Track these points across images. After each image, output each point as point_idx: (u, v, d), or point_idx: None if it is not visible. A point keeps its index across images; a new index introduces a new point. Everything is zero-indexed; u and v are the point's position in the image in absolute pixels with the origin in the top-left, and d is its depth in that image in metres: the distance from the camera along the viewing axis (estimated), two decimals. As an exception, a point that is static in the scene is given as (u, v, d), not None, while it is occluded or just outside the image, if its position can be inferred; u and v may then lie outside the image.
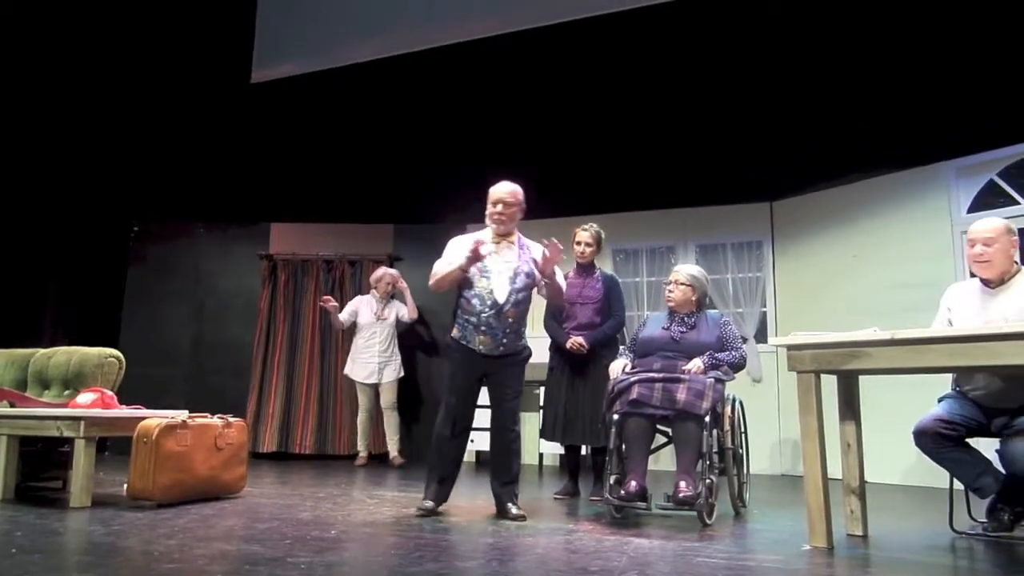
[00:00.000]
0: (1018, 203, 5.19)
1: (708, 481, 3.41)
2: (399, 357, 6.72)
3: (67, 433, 3.71)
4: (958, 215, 5.44)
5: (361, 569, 2.34)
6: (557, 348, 4.54)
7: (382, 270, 6.84)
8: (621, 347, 4.17)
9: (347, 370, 6.67)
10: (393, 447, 6.52)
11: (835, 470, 3.11)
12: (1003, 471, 3.08)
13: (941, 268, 5.44)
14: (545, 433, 4.55)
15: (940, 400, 3.37)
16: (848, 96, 5.82)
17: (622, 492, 3.38)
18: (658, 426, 3.70)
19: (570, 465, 4.50)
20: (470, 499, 4.22)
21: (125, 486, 4.40)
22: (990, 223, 3.31)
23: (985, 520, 3.23)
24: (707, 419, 3.47)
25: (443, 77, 6.66)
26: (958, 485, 3.25)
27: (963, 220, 5.42)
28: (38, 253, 7.41)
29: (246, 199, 7.62)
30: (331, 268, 7.44)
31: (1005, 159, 5.28)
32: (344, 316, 6.69)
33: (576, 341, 4.38)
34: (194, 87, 6.95)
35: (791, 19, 5.51)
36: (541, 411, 5.34)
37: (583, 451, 4.72)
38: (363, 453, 6.57)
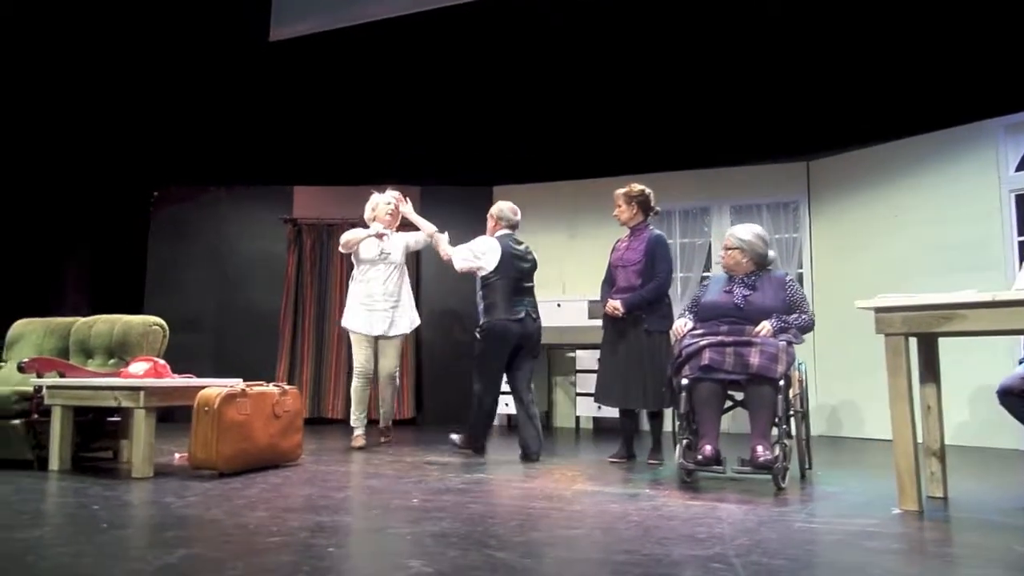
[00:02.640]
0: (1070, 161, 5.12)
1: (783, 445, 3.37)
2: (412, 305, 5.25)
3: (126, 403, 3.65)
4: (1006, 173, 5.36)
5: (467, 538, 2.30)
6: (604, 312, 4.48)
7: (376, 195, 5.40)
8: (681, 308, 4.11)
9: (344, 321, 5.13)
10: (384, 421, 5.23)
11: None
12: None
13: (988, 228, 5.38)
14: (595, 396, 4.51)
15: (1021, 361, 3.33)
16: (888, 51, 5.68)
17: (698, 457, 3.34)
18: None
19: (624, 429, 4.47)
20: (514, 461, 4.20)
21: (176, 455, 4.39)
22: None
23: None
24: (781, 383, 3.42)
25: (472, 34, 6.49)
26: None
27: (1011, 179, 5.35)
28: (58, 221, 7.27)
29: (268, 162, 7.47)
30: (357, 232, 7.31)
31: (1057, 115, 5.19)
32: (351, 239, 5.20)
33: (612, 304, 4.33)
34: (211, 47, 6.75)
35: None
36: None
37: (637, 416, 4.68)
38: (359, 431, 4.97)
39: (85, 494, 3.10)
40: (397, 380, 5.18)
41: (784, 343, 3.54)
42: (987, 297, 2.73)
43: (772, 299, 3.76)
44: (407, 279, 5.27)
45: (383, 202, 5.27)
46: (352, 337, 5.06)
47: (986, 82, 5.35)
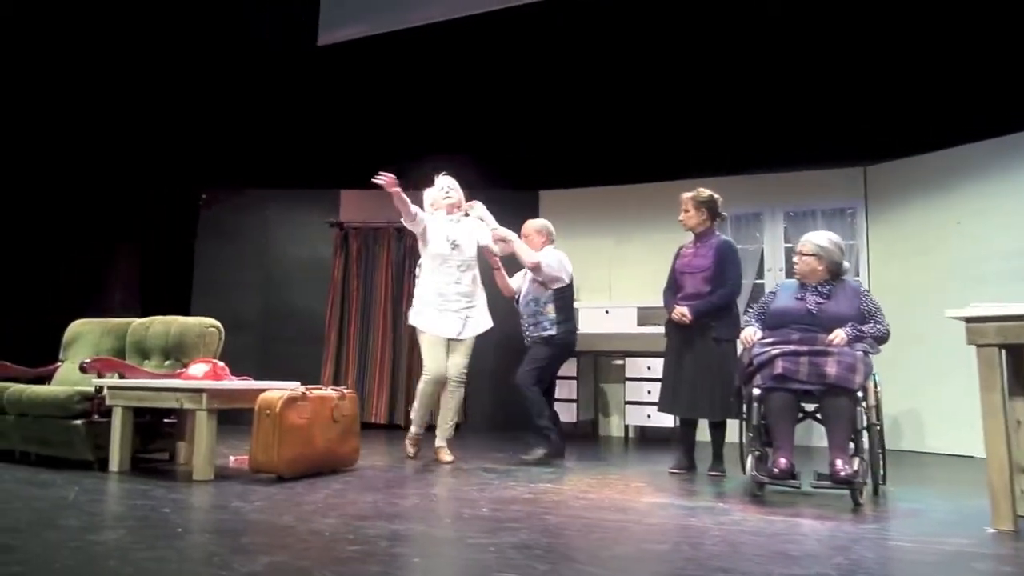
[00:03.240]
0: None
1: (862, 459, 3.25)
2: (484, 304, 4.69)
3: (188, 405, 3.63)
4: (1078, 180, 5.17)
5: (552, 552, 2.22)
6: (669, 319, 4.38)
7: (429, 190, 4.80)
8: (745, 316, 4.00)
9: (413, 319, 4.60)
10: (443, 434, 4.53)
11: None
12: None
13: (1056, 235, 5.19)
14: (659, 405, 4.41)
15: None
16: (949, 56, 5.51)
17: (774, 470, 3.22)
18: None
19: (684, 439, 4.36)
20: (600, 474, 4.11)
21: (232, 458, 4.37)
22: None
23: None
24: (859, 394, 3.30)
25: (519, 37, 6.45)
26: None
27: (1083, 185, 5.15)
28: (107, 221, 7.33)
29: (315, 165, 7.48)
30: (402, 236, 7.30)
31: None
32: (415, 210, 4.56)
33: (679, 311, 4.22)
34: (260, 51, 6.79)
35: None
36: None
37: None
38: (415, 430, 4.62)
39: (151, 496, 3.08)
40: (464, 387, 4.57)
41: (861, 353, 3.42)
42: (1093, 308, 2.59)
43: (847, 307, 3.64)
44: (478, 275, 4.69)
45: (438, 188, 4.74)
46: (421, 337, 4.55)
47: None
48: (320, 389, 3.92)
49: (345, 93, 7.17)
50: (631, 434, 6.58)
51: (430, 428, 4.67)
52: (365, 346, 7.13)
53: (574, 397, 6.50)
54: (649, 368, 6.20)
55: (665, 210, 6.96)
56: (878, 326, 3.60)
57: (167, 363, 4.50)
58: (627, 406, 6.39)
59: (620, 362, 6.69)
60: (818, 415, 3.64)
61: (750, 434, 3.47)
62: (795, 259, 3.83)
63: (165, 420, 4.22)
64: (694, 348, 4.20)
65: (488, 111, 7.01)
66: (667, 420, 6.16)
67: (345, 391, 4.08)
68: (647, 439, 6.52)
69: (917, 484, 4.04)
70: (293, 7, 6.85)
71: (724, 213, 4.47)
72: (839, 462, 3.17)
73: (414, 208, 4.52)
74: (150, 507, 2.85)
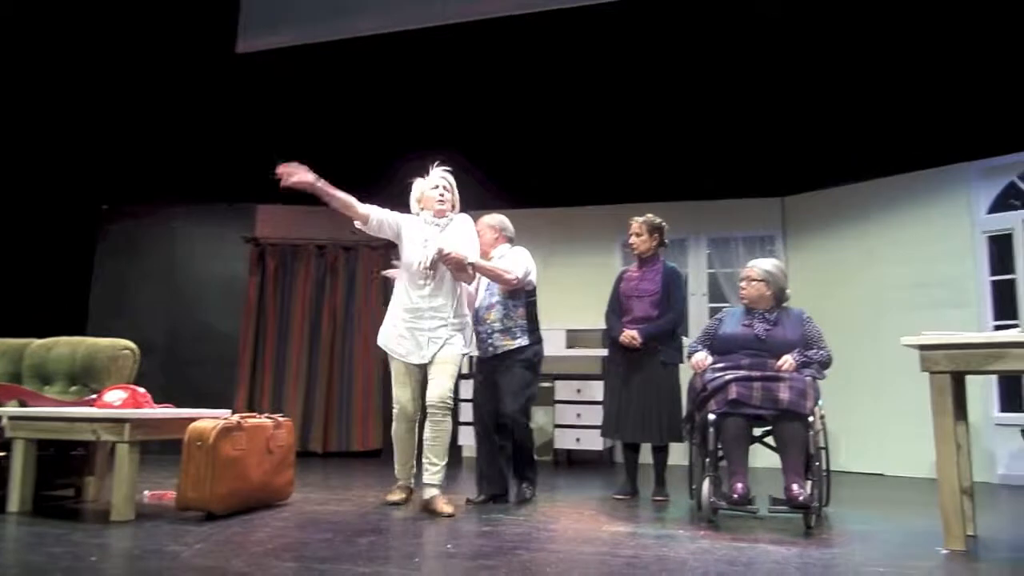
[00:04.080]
0: (1039, 205, 5.34)
1: (814, 483, 3.30)
2: (468, 321, 3.91)
3: (106, 437, 3.28)
4: (979, 216, 5.56)
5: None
6: (613, 342, 4.37)
7: (420, 181, 3.98)
8: (692, 341, 4.03)
9: (382, 339, 3.84)
10: (432, 479, 3.59)
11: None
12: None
13: (961, 268, 5.56)
14: (603, 430, 4.38)
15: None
16: (865, 94, 5.85)
17: (734, 496, 3.23)
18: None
19: (628, 463, 4.33)
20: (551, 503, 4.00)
21: (146, 493, 4.00)
22: None
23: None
24: (811, 419, 3.37)
25: (447, 57, 6.35)
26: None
27: (984, 221, 5.55)
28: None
29: (229, 178, 7.08)
30: (323, 254, 7.02)
31: (1025, 162, 5.42)
32: (365, 210, 3.84)
33: (629, 334, 4.22)
34: (172, 55, 6.39)
35: (808, 11, 5.46)
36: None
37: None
38: (402, 482, 3.89)
39: (68, 541, 2.74)
40: (449, 418, 3.66)
41: (810, 378, 3.49)
42: (1037, 337, 2.74)
43: (792, 334, 3.72)
44: (465, 290, 3.92)
45: (429, 186, 3.89)
46: (391, 364, 3.80)
47: (960, 127, 5.55)
48: (254, 417, 3.64)
49: (264, 103, 6.84)
50: (559, 458, 6.52)
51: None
52: (282, 368, 6.79)
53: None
54: (579, 391, 6.19)
55: (591, 234, 7.08)
56: (821, 352, 3.70)
57: (73, 389, 4.09)
58: (556, 429, 6.34)
59: (548, 385, 6.64)
60: (765, 439, 3.70)
61: (706, 459, 3.47)
62: (742, 284, 3.89)
63: (72, 453, 3.82)
64: (642, 372, 4.20)
65: (414, 130, 6.86)
66: (595, 443, 6.17)
67: (280, 419, 3.81)
68: (574, 462, 6.48)
69: (850, 505, 4.16)
70: (209, 11, 6.49)
71: (667, 240, 4.51)
72: (795, 487, 3.21)
73: (364, 208, 3.77)
74: (72, 555, 2.53)
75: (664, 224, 4.43)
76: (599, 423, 6.15)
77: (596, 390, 6.24)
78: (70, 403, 3.85)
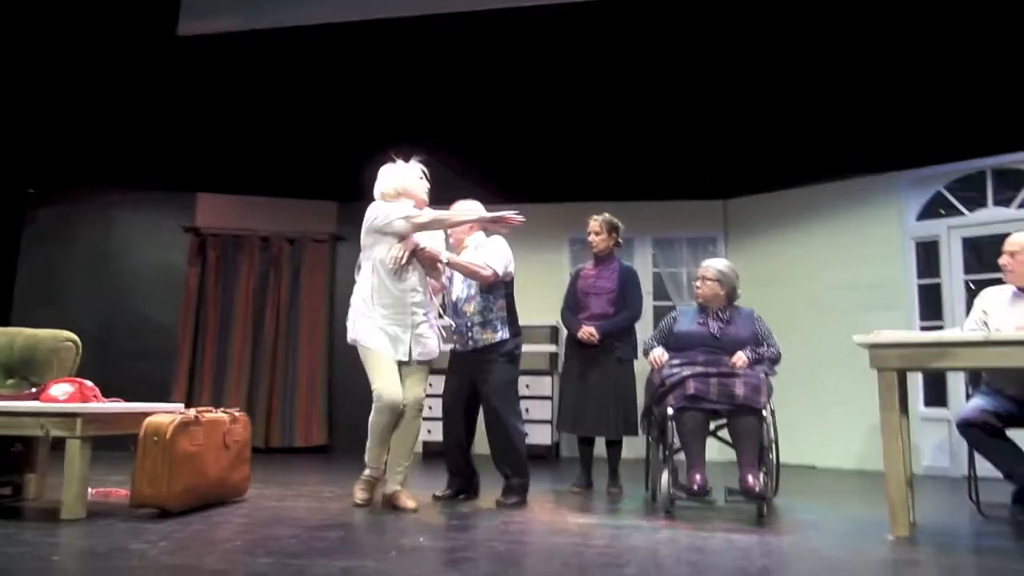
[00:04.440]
0: (963, 214, 5.69)
1: (767, 474, 3.45)
2: (436, 316, 3.80)
3: (56, 432, 3.14)
4: (909, 222, 5.88)
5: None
6: (571, 338, 4.44)
7: (395, 168, 3.75)
8: (647, 338, 4.12)
9: (355, 334, 3.60)
10: (398, 477, 3.58)
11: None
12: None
13: (892, 270, 5.87)
14: (559, 424, 4.44)
15: (972, 395, 3.61)
16: (805, 104, 6.09)
17: (694, 488, 3.34)
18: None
19: (583, 457, 4.41)
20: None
21: (91, 490, 3.84)
22: (1017, 237, 3.57)
23: (1012, 505, 3.49)
24: (764, 413, 3.51)
25: (393, 50, 6.30)
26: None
27: (913, 228, 5.87)
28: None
29: (168, 165, 6.84)
30: (268, 246, 6.87)
31: (952, 173, 5.77)
32: None
33: (587, 331, 4.30)
34: (110, 35, 6.13)
35: (752, 26, 5.66)
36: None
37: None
38: (370, 472, 3.64)
39: (22, 541, 2.62)
40: (420, 417, 3.65)
41: (763, 375, 3.64)
42: (980, 337, 2.93)
43: (745, 331, 3.87)
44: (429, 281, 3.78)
45: (415, 176, 3.71)
46: (369, 357, 3.58)
47: (893, 138, 5.85)
48: (210, 412, 3.55)
49: (206, 89, 6.62)
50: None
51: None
52: (223, 363, 6.60)
53: (548, 418, 6.40)
54: (528, 387, 6.24)
55: (539, 231, 7.11)
56: (772, 349, 3.86)
57: (10, 382, 3.88)
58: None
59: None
60: (719, 433, 3.83)
61: (665, 452, 3.57)
62: (697, 283, 4.01)
63: (11, 449, 3.63)
64: (598, 367, 4.28)
65: (366, 121, 6.78)
66: (543, 438, 6.25)
67: (237, 413, 3.72)
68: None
69: (793, 496, 4.34)
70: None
71: (621, 240, 4.60)
72: (750, 478, 3.34)
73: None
74: (31, 555, 2.42)
75: (620, 224, 4.52)
76: (547, 418, 6.30)
77: (544, 386, 6.33)
78: (8, 397, 3.66)
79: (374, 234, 3.60)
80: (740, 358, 3.70)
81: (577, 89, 6.37)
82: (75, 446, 3.11)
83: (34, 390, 3.68)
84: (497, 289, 3.81)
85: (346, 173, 7.04)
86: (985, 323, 3.56)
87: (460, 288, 3.87)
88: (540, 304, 6.81)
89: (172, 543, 2.62)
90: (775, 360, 3.84)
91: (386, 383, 3.50)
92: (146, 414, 3.30)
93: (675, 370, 3.66)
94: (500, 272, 3.77)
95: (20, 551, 2.47)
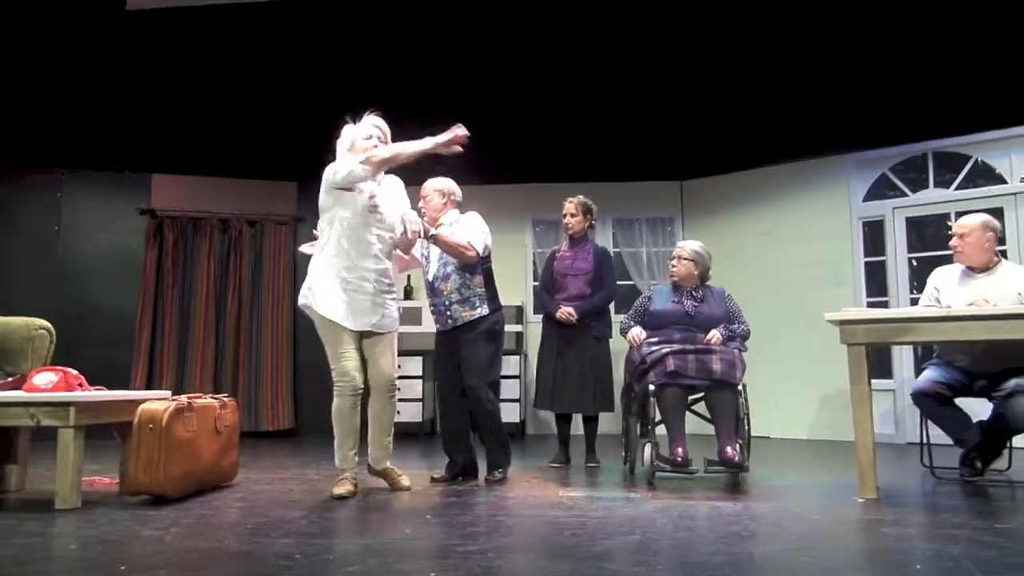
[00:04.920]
0: (906, 195, 6.03)
1: (743, 445, 3.66)
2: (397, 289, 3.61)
3: (48, 422, 3.10)
4: (856, 203, 6.20)
5: (559, 555, 2.27)
6: (548, 318, 4.57)
7: (353, 127, 3.57)
8: (624, 317, 4.28)
9: (307, 298, 3.39)
10: (384, 454, 3.56)
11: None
12: (987, 426, 3.66)
13: (839, 249, 6.19)
14: (537, 402, 4.57)
15: (925, 368, 3.89)
16: (757, 89, 6.33)
17: (677, 460, 3.52)
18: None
19: (561, 434, 4.56)
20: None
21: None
22: (967, 219, 3.83)
23: (960, 467, 3.80)
24: (740, 387, 3.72)
25: (357, 24, 6.24)
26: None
27: (860, 208, 6.19)
28: None
29: (120, 144, 6.64)
30: (227, 228, 6.76)
31: (897, 156, 6.09)
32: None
33: (566, 311, 4.43)
34: (56, 9, 5.89)
35: (710, 15, 5.83)
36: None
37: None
38: (348, 473, 3.40)
39: (28, 532, 2.60)
40: (397, 395, 3.57)
41: (737, 351, 3.84)
42: (941, 313, 3.18)
43: (718, 310, 4.07)
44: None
45: (362, 135, 3.50)
46: (325, 329, 3.38)
47: (842, 122, 6.13)
48: (201, 398, 3.55)
49: (160, 66, 6.43)
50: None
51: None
52: (184, 348, 6.50)
53: (419, 396, 6.50)
54: (497, 366, 6.35)
55: (502, 212, 7.18)
56: (742, 326, 4.07)
57: (-20, 372, 3.79)
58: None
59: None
60: (694, 408, 4.02)
61: (647, 427, 3.75)
62: (672, 263, 4.17)
63: (-10, 440, 3.56)
64: (575, 346, 4.42)
65: (326, 97, 6.69)
66: (512, 416, 6.39)
67: (226, 399, 3.72)
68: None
69: (759, 465, 4.57)
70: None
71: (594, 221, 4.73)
72: (729, 449, 3.54)
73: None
74: (42, 544, 2.43)
75: (595, 206, 4.65)
76: (515, 397, 6.44)
77: (511, 365, 6.45)
78: (-16, 387, 3.57)
79: (335, 192, 3.39)
80: (715, 335, 3.90)
81: (540, 73, 6.44)
82: (68, 435, 3.09)
83: (10, 379, 3.63)
84: (474, 265, 3.75)
85: (306, 152, 6.98)
86: (937, 300, 3.83)
87: (436, 266, 3.81)
88: (504, 285, 6.84)
89: (183, 528, 2.65)
90: (745, 337, 4.05)
91: (344, 363, 3.34)
92: (138, 402, 3.29)
93: (654, 348, 3.83)
94: (482, 251, 3.76)
95: (31, 541, 2.47)
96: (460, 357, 3.75)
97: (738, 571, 2.05)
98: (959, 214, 6.11)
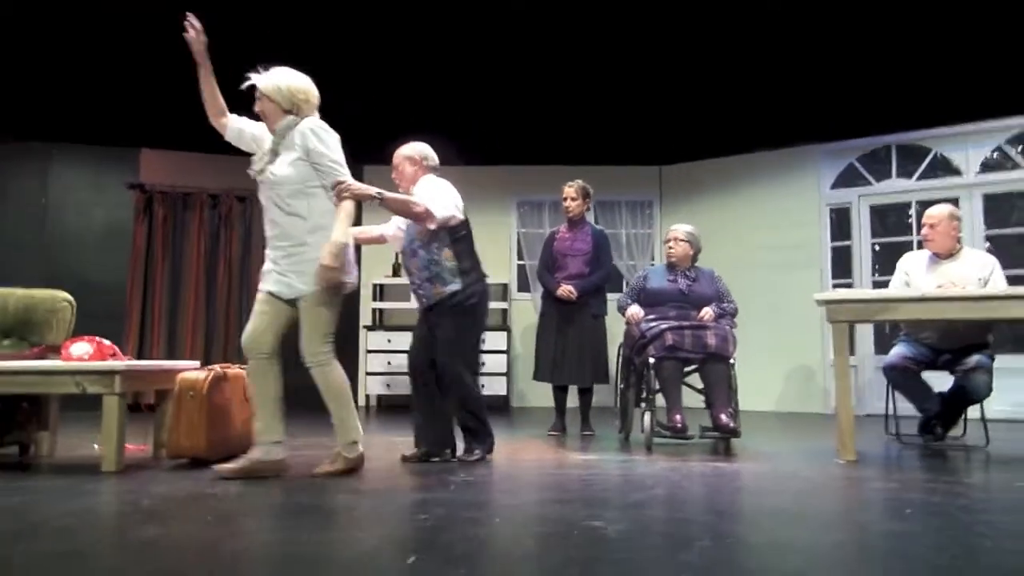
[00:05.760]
0: (871, 183, 6.46)
1: (734, 413, 4.00)
2: (315, 256, 3.07)
3: (93, 389, 3.25)
4: (824, 190, 6.61)
5: (620, 507, 2.55)
6: (547, 295, 4.84)
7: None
8: (621, 296, 4.56)
9: None
10: (339, 435, 3.22)
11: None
12: (947, 397, 4.07)
13: (808, 234, 6.61)
14: (537, 374, 4.85)
15: (895, 343, 4.28)
16: (732, 80, 6.65)
17: (677, 427, 3.84)
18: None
19: (559, 404, 4.85)
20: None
21: (96, 446, 3.94)
22: (935, 210, 4.21)
23: (920, 434, 4.22)
24: (732, 361, 4.05)
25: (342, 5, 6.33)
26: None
27: (828, 195, 6.61)
28: None
29: (107, 118, 6.62)
30: (216, 204, 6.83)
31: (863, 147, 6.51)
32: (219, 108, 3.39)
33: (566, 289, 4.71)
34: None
35: (692, 6, 6.12)
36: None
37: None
38: (262, 447, 3.18)
39: (89, 492, 2.77)
40: (323, 369, 3.19)
41: (729, 327, 4.17)
42: (916, 294, 3.56)
43: (709, 289, 4.39)
44: (317, 204, 3.15)
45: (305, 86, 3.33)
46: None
47: (811, 114, 6.51)
48: (231, 367, 3.73)
49: (148, 39, 6.42)
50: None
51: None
52: (175, 323, 6.59)
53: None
54: (484, 342, 6.61)
55: (487, 193, 7.43)
56: (731, 304, 4.39)
57: (7, 343, 3.90)
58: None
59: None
60: (685, 380, 4.34)
61: (648, 396, 4.06)
62: (669, 244, 4.47)
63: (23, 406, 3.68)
64: (574, 323, 4.70)
65: (318, 73, 6.76)
66: (499, 390, 6.66)
67: (251, 369, 3.90)
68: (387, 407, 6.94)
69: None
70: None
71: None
72: (723, 416, 3.88)
73: (222, 108, 3.36)
74: (115, 501, 2.61)
75: (592, 189, 4.92)
76: (502, 371, 6.72)
77: (499, 340, 6.72)
78: (10, 356, 3.69)
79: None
80: (707, 312, 4.22)
81: (527, 58, 6.64)
82: (113, 402, 3.25)
83: (35, 349, 3.77)
84: (438, 239, 3.45)
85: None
86: (907, 283, 4.21)
87: (405, 243, 3.60)
88: (490, 264, 7.11)
89: (243, 486, 2.85)
90: (734, 314, 4.38)
91: (247, 326, 3.21)
92: (175, 371, 3.46)
93: (652, 324, 4.14)
94: (436, 213, 3.38)
95: (98, 500, 2.65)
96: (434, 335, 3.52)
97: (761, 515, 2.36)
98: (920, 203, 6.60)
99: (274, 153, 3.19)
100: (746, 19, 6.09)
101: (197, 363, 3.73)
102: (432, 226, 3.43)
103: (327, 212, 3.14)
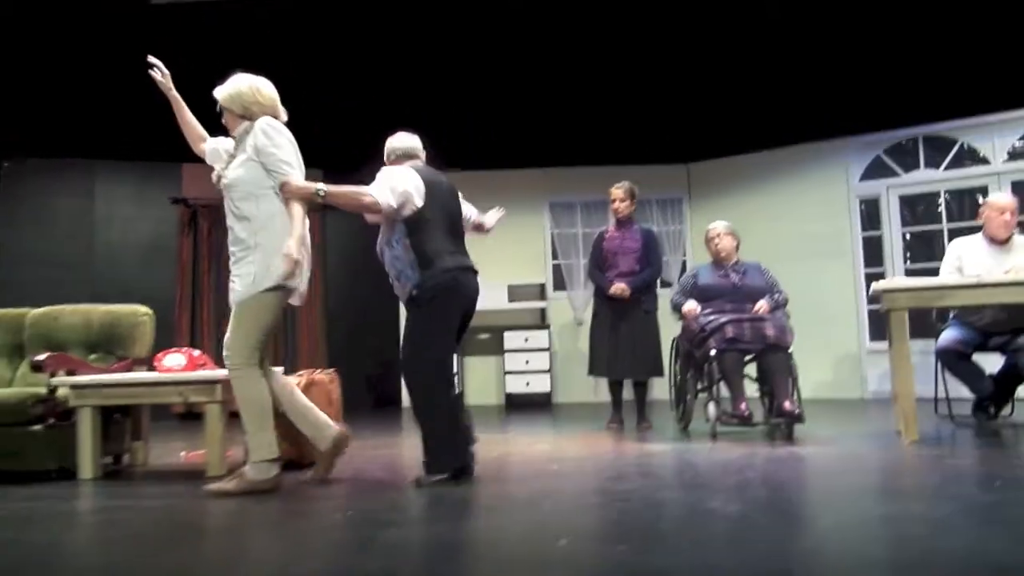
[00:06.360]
0: (899, 175, 6.61)
1: (797, 401, 4.15)
2: (259, 257, 3.02)
3: (195, 399, 3.41)
4: (854, 182, 6.77)
5: (697, 486, 2.70)
6: (599, 293, 4.99)
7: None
8: (674, 294, 4.70)
9: None
10: (256, 452, 2.98)
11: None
12: (999, 377, 4.23)
13: (840, 224, 6.75)
14: (593, 370, 4.99)
15: (945, 328, 4.43)
16: (762, 75, 6.81)
17: (744, 415, 3.99)
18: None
19: (615, 398, 4.99)
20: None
21: (183, 454, 4.11)
22: (1006, 199, 4.29)
23: (973, 414, 4.37)
24: (790, 350, 4.20)
25: (373, 16, 6.46)
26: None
27: (857, 187, 6.76)
28: None
29: (150, 135, 6.75)
30: (258, 215, 6.95)
31: (891, 139, 6.66)
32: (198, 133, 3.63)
33: (619, 287, 4.85)
34: (82, 4, 5.99)
35: (719, 4, 6.28)
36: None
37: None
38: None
39: (205, 502, 2.92)
40: (237, 372, 3.11)
41: (785, 318, 4.33)
42: (972, 281, 3.71)
43: (759, 281, 4.54)
44: (265, 207, 3.07)
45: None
46: None
47: (840, 108, 6.65)
48: (315, 373, 3.88)
49: (184, 58, 6.55)
50: (500, 401, 7.09)
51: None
52: (223, 334, 6.69)
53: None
54: (527, 340, 6.80)
55: (520, 195, 7.56)
56: (781, 295, 4.53)
57: (92, 357, 4.04)
58: (506, 376, 6.90)
59: (485, 336, 7.16)
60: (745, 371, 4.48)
61: (711, 387, 4.21)
62: (715, 241, 4.62)
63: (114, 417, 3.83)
64: (628, 319, 4.84)
65: (342, 87, 6.90)
66: (543, 387, 6.83)
67: (331, 374, 4.05)
68: (513, 405, 7.07)
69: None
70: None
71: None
72: (787, 404, 4.02)
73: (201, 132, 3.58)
74: (251, 499, 2.75)
75: (637, 190, 5.10)
76: (545, 368, 6.88)
77: (542, 339, 6.88)
78: (103, 369, 3.83)
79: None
80: (762, 305, 4.36)
81: (554, 62, 6.79)
82: (215, 410, 3.40)
83: (122, 363, 3.92)
84: (397, 232, 3.11)
85: (331, 140, 7.23)
86: (959, 268, 4.34)
87: (378, 246, 3.28)
88: (526, 264, 7.36)
89: (346, 484, 3.00)
90: (784, 304, 4.53)
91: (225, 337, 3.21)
92: (268, 378, 3.59)
93: (711, 317, 4.29)
94: (382, 201, 3.02)
95: (240, 502, 2.79)
96: None
97: (866, 492, 2.52)
98: (948, 192, 6.77)
99: (232, 157, 3.21)
100: (772, 15, 6.24)
101: (281, 369, 3.85)
102: (378, 218, 3.17)
103: (275, 215, 3.04)
